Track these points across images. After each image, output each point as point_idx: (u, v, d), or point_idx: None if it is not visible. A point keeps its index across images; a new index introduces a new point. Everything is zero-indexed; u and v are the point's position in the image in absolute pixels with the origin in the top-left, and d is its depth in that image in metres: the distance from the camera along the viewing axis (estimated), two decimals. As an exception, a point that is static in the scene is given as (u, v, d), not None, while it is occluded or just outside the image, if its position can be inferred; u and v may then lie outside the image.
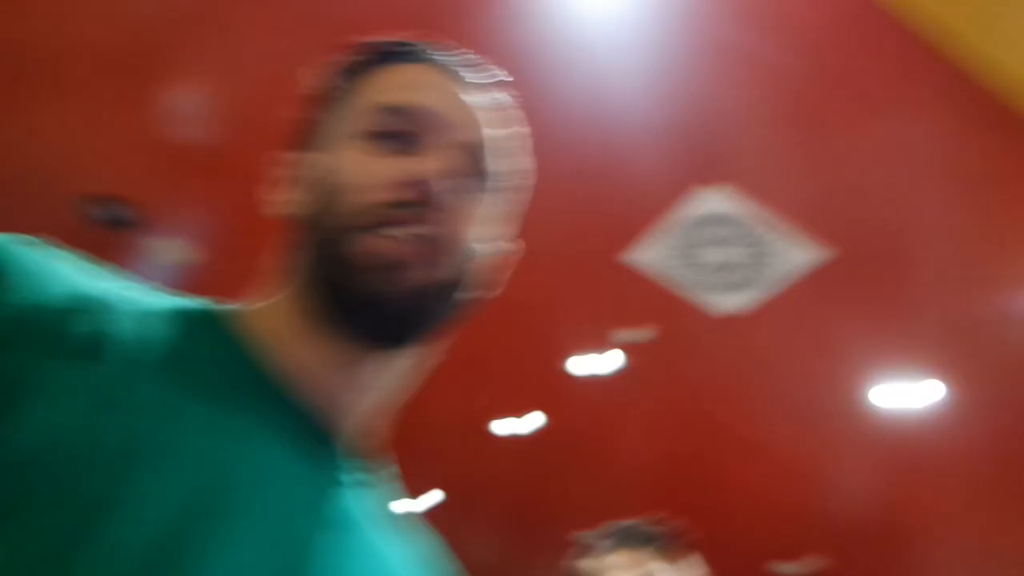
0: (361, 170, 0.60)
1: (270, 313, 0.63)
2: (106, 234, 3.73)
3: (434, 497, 5.52)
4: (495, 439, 4.40)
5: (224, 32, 2.90)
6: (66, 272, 0.56)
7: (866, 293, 2.92)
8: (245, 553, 0.50)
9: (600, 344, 3.57)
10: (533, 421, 4.16)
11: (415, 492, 5.21)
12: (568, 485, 4.72)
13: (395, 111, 0.63)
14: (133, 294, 0.59)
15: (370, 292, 0.58)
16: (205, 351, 0.59)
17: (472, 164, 0.64)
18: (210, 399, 0.55)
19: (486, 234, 0.65)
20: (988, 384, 3.30)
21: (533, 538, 5.49)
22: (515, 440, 4.39)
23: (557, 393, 3.96)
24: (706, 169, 2.70)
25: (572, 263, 3.15)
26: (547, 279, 3.17)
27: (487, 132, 0.65)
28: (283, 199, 0.67)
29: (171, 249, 3.84)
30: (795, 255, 2.79)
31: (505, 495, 5.05)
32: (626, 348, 3.57)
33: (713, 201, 2.72)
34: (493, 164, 0.65)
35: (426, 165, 0.60)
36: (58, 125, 3.30)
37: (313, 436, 0.60)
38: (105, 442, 0.48)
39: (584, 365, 3.68)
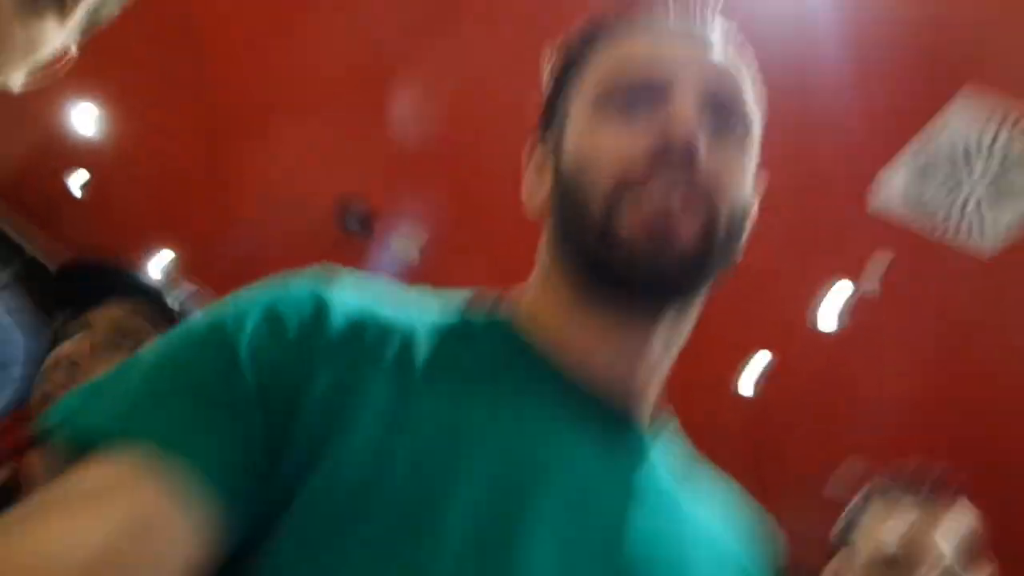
0: (615, 142, 0.59)
1: (543, 304, 0.64)
2: (356, 239, 4.03)
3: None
4: (736, 395, 4.28)
5: (453, 34, 3.03)
6: (368, 294, 0.60)
7: None
8: (563, 531, 0.52)
9: (846, 280, 3.36)
10: (763, 363, 4.08)
11: None
12: (814, 430, 4.53)
13: (636, 74, 0.62)
14: (417, 307, 0.62)
15: (648, 262, 0.57)
16: (495, 352, 0.61)
17: (721, 116, 0.61)
18: (508, 394, 0.58)
19: (743, 186, 0.63)
20: None
21: (778, 490, 5.32)
22: (755, 396, 4.26)
23: (800, 340, 3.80)
24: (950, 83, 2.38)
25: (807, 208, 2.96)
26: (785, 228, 2.90)
27: (731, 82, 0.63)
28: (535, 187, 0.68)
29: (410, 247, 4.02)
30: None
31: (748, 447, 4.94)
32: (870, 290, 3.30)
33: (963, 121, 2.33)
34: (740, 113, 0.63)
35: (677, 122, 0.58)
36: (306, 141, 3.64)
37: (605, 413, 0.61)
38: (426, 447, 0.51)
39: (829, 309, 3.50)
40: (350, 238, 4.16)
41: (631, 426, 0.63)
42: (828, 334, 3.68)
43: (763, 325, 3.93)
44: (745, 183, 0.63)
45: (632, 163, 0.58)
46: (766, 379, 4.19)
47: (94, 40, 0.63)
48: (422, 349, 0.57)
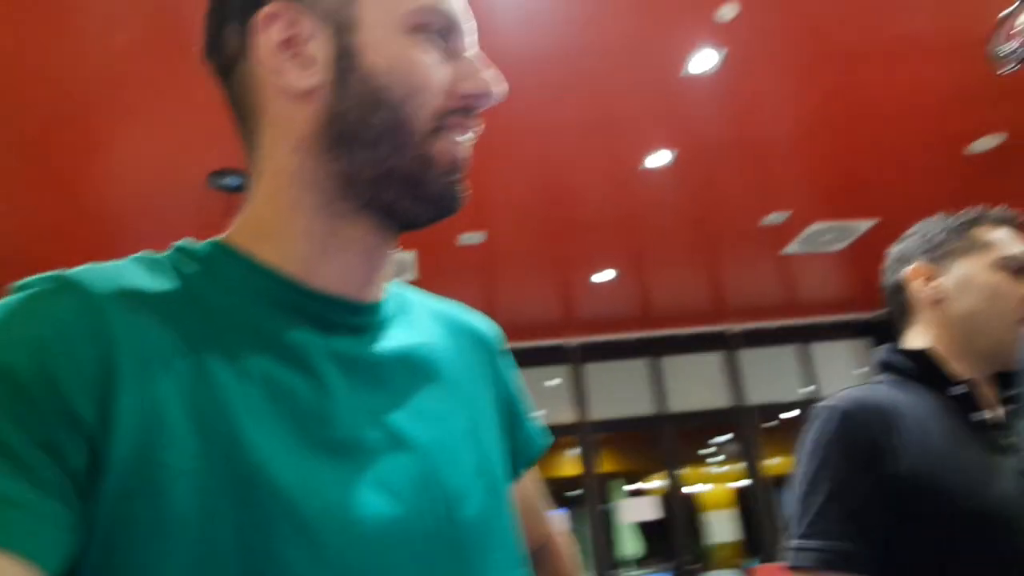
0: (439, 75, 0.63)
1: (291, 225, 0.63)
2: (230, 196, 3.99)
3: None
4: (649, 175, 4.53)
5: None
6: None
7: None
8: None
9: (702, 38, 3.46)
10: (667, 154, 4.37)
11: (593, 262, 5.71)
12: (729, 187, 4.89)
13: (444, 14, 0.64)
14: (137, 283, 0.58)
15: (448, 190, 0.63)
16: (251, 305, 0.60)
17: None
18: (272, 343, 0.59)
19: None
20: None
21: (711, 250, 5.90)
22: (665, 169, 4.52)
23: (685, 110, 3.95)
24: None
25: None
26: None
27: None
28: (295, 69, 0.62)
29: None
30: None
31: (674, 220, 5.28)
32: (727, 28, 3.39)
33: None
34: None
35: (490, 78, 0.65)
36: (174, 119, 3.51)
37: (353, 310, 0.65)
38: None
39: (698, 65, 3.62)
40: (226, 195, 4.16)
41: (372, 310, 0.67)
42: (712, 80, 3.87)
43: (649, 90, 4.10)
44: None
45: (450, 99, 0.63)
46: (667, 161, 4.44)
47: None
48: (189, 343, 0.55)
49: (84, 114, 3.49)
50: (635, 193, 4.81)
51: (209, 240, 0.64)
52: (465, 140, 0.65)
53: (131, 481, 0.48)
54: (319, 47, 0.62)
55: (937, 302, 1.26)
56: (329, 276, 0.63)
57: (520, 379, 0.85)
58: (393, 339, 0.67)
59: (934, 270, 1.28)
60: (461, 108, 0.64)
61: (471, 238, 5.04)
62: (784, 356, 7.88)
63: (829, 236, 5.76)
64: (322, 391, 0.58)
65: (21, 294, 0.53)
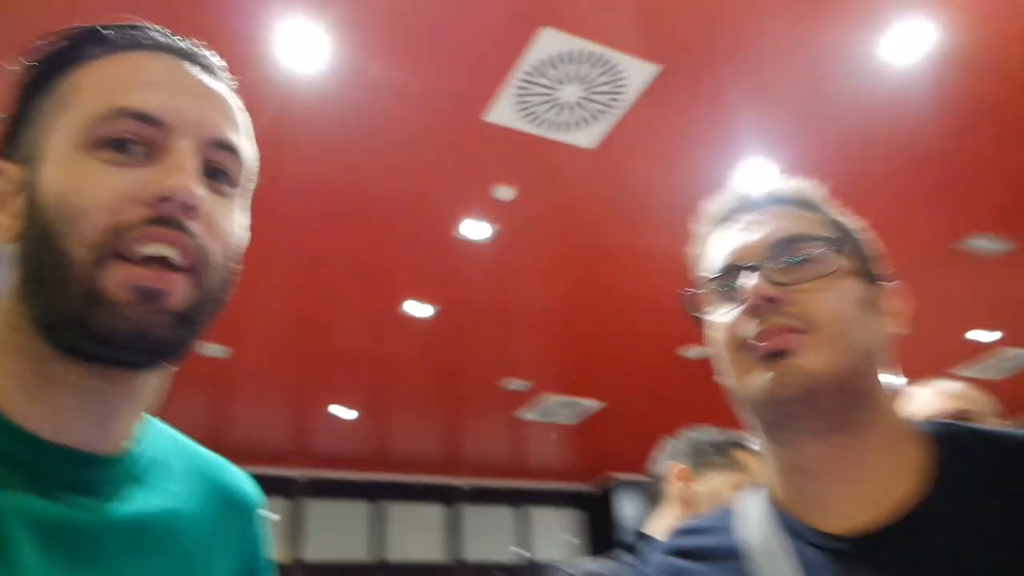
0: (100, 188, 0.54)
1: (3, 364, 0.57)
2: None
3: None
4: (407, 321, 4.65)
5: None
6: None
7: (701, 96, 3.16)
8: None
9: (478, 209, 3.73)
10: (428, 308, 4.55)
11: (336, 396, 5.51)
12: (479, 348, 5.10)
13: (134, 114, 0.56)
14: None
15: (133, 325, 0.53)
16: None
17: (221, 161, 0.60)
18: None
19: (234, 238, 0.62)
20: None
21: (453, 403, 6.03)
22: (423, 322, 4.66)
23: (453, 267, 4.16)
24: (533, 11, 2.76)
25: (434, 137, 3.30)
26: (418, 157, 3.37)
27: (232, 124, 0.62)
28: (6, 233, 0.57)
29: None
30: (632, 76, 3.02)
31: (422, 368, 5.38)
32: (503, 206, 3.70)
33: (551, 41, 2.83)
34: (236, 167, 0.62)
35: (178, 174, 0.55)
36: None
37: (84, 462, 0.57)
38: None
39: (471, 231, 3.88)
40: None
41: (106, 465, 0.59)
42: (479, 256, 4.07)
43: (424, 256, 4.25)
44: (242, 226, 0.63)
45: (123, 216, 0.53)
46: (431, 313, 4.61)
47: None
48: None
49: None
50: (389, 337, 4.90)
51: None
52: (155, 252, 0.54)
53: None
54: (10, 183, 0.58)
55: (685, 502, 1.41)
56: (44, 422, 0.55)
57: (270, 547, 0.79)
58: (127, 502, 0.59)
59: (692, 475, 1.42)
60: (146, 219, 0.54)
61: (213, 350, 4.78)
62: (502, 516, 8.08)
63: (561, 409, 6.19)
64: (4, 565, 0.50)
65: None
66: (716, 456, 1.45)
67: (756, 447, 1.46)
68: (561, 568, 1.34)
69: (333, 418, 6.07)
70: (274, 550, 0.82)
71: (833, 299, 0.70)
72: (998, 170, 3.69)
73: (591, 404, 6.11)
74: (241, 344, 4.76)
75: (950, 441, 0.71)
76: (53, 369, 0.56)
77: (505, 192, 3.63)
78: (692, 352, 5.33)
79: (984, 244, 4.30)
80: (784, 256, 0.73)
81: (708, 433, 1.50)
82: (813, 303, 0.70)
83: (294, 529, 7.04)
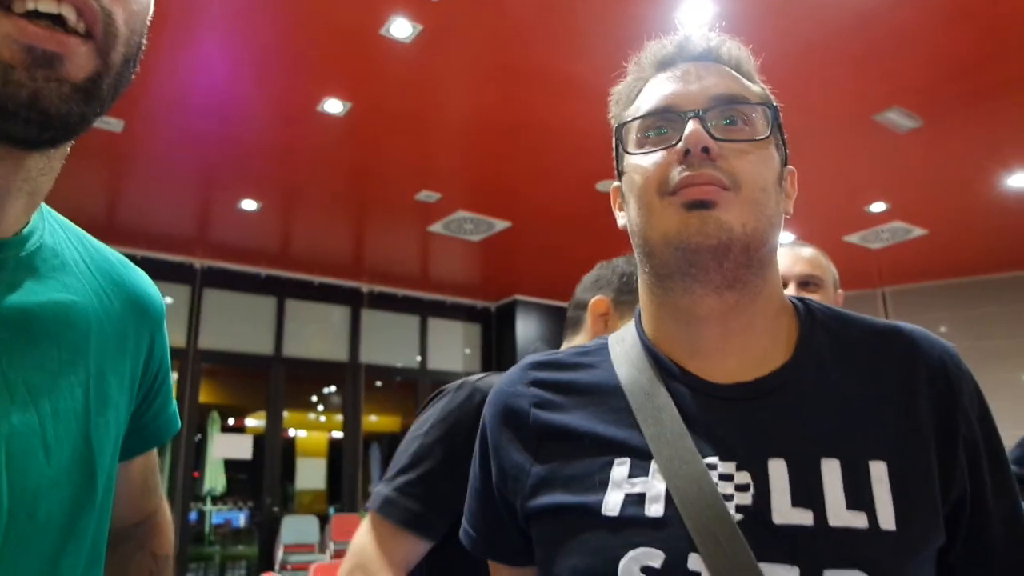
0: None
1: None
2: None
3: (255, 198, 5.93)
4: (320, 117, 4.48)
5: None
6: None
7: None
8: None
9: (405, 5, 3.54)
10: (343, 104, 4.38)
11: (240, 188, 5.52)
12: (393, 154, 5.06)
13: None
14: None
15: (24, 91, 0.47)
16: None
17: None
18: None
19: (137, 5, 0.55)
20: None
21: (363, 208, 6.04)
22: (338, 119, 4.53)
23: (373, 65, 4.01)
24: None
25: None
26: None
27: None
28: None
29: None
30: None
31: (333, 168, 5.30)
32: (431, 5, 3.52)
33: None
34: None
35: None
36: None
37: None
38: None
39: (396, 29, 3.68)
40: None
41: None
42: (397, 58, 3.93)
43: (342, 53, 4.05)
44: (144, 10, 0.57)
45: None
46: (343, 109, 4.44)
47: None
48: None
49: None
50: (302, 133, 4.70)
51: None
52: (47, 9, 0.49)
53: None
54: None
55: (604, 326, 1.38)
56: None
57: (168, 355, 0.77)
58: (16, 289, 0.56)
59: (612, 309, 1.39)
60: None
61: (105, 123, 4.47)
62: (404, 324, 8.33)
63: (470, 225, 6.23)
64: None
65: None
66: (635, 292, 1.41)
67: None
68: (468, 380, 1.27)
69: (236, 209, 5.92)
70: (170, 334, 0.81)
71: (759, 165, 0.72)
72: (923, 44, 3.71)
73: (498, 223, 6.17)
74: (137, 119, 4.47)
75: (810, 314, 0.78)
76: None
77: (436, -10, 3.40)
78: (606, 186, 5.39)
79: (897, 119, 4.41)
80: (722, 112, 0.74)
81: (627, 261, 1.47)
82: (741, 164, 0.71)
83: (192, 316, 7.04)
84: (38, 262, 0.59)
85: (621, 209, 0.82)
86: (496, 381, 1.28)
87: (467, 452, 1.10)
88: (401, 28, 3.65)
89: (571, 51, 3.83)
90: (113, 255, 0.72)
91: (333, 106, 4.36)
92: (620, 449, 0.71)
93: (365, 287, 7.98)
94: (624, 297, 1.39)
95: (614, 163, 0.83)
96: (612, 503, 0.68)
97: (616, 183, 0.83)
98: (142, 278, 0.73)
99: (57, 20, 0.48)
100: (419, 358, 8.36)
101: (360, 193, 5.72)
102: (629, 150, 0.77)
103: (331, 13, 3.54)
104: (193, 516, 7.17)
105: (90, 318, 0.62)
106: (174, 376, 7.37)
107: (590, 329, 1.40)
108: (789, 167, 0.81)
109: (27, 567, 0.53)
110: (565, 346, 1.43)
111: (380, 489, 1.18)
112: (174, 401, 0.80)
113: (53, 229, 0.64)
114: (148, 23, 0.59)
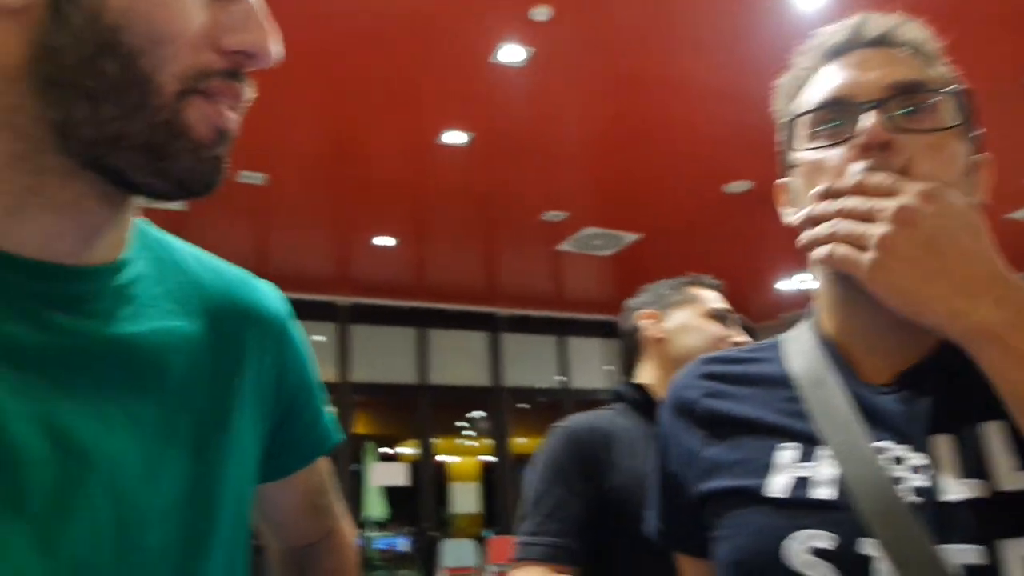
0: (184, 16, 0.49)
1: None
2: None
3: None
4: (443, 150, 4.60)
5: None
6: None
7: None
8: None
9: (515, 31, 3.56)
10: (464, 135, 4.48)
11: (376, 226, 5.73)
12: (516, 178, 5.09)
13: None
14: None
15: (206, 164, 0.52)
16: None
17: None
18: None
19: None
20: None
21: (497, 230, 6.09)
22: (461, 150, 4.62)
23: (488, 94, 4.07)
24: None
25: None
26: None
27: None
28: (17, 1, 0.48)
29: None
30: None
31: (460, 198, 5.39)
32: (540, 28, 3.53)
33: None
34: None
35: (257, 29, 0.53)
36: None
37: (53, 281, 0.52)
38: None
39: (507, 55, 3.73)
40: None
41: (89, 277, 0.55)
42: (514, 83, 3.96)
43: (457, 86, 4.15)
44: None
45: (204, 59, 0.51)
46: (466, 139, 4.52)
47: None
48: None
49: None
50: (427, 166, 4.85)
51: None
52: (230, 108, 0.53)
53: None
54: None
55: (659, 340, 1.52)
56: (19, 238, 0.51)
57: (311, 364, 0.75)
58: (111, 318, 0.55)
59: (659, 315, 1.54)
60: (225, 69, 0.52)
61: (251, 177, 4.79)
62: (543, 345, 8.36)
63: (599, 241, 6.18)
64: None
65: None
66: (675, 295, 1.55)
67: (708, 281, 1.58)
68: (559, 424, 1.44)
69: (372, 246, 6.17)
70: (322, 370, 0.77)
71: (945, 159, 0.67)
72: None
73: (628, 236, 6.08)
74: (278, 171, 4.76)
75: None
76: (50, 186, 0.50)
77: (542, 12, 3.41)
78: (735, 187, 5.20)
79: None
80: (902, 102, 0.68)
81: (662, 282, 1.61)
82: (924, 159, 0.66)
83: (341, 352, 7.39)
84: (137, 290, 0.58)
85: (787, 206, 0.78)
86: (580, 418, 1.46)
87: (577, 481, 1.33)
88: (512, 53, 3.69)
89: (685, 52, 3.74)
90: (229, 272, 0.69)
91: (455, 137, 4.47)
92: (787, 434, 0.71)
93: (501, 311, 8.09)
94: (660, 301, 1.56)
95: (779, 159, 0.79)
96: (777, 485, 0.69)
97: (782, 180, 0.79)
98: (260, 292, 0.70)
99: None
100: (560, 378, 8.35)
101: (488, 219, 5.82)
102: (798, 146, 0.73)
103: (441, 46, 3.63)
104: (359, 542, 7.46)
105: (196, 342, 0.61)
106: (333, 410, 7.70)
107: (651, 340, 1.53)
108: (984, 154, 0.74)
109: None
110: (640, 371, 1.56)
111: (517, 540, 1.34)
112: (327, 413, 0.77)
113: (156, 253, 0.63)
114: None
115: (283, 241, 6.10)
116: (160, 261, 0.62)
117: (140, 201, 0.57)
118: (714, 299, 1.55)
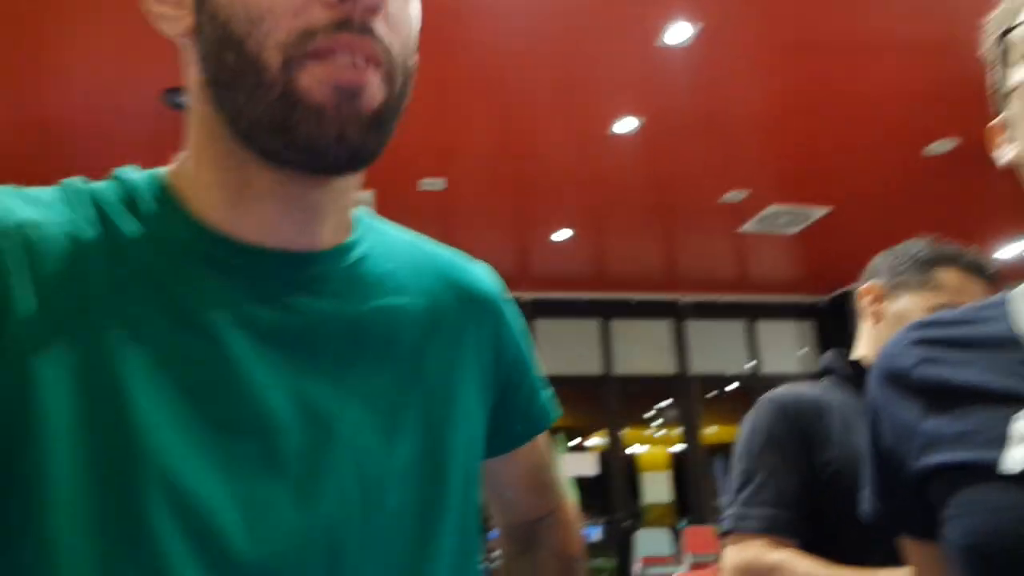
0: None
1: (207, 172, 0.57)
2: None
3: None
4: (614, 138, 4.54)
5: None
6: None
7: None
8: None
9: (679, 6, 3.45)
10: (634, 121, 4.39)
11: (552, 220, 5.84)
12: (692, 160, 4.93)
13: None
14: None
15: (334, 128, 0.51)
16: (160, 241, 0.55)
17: None
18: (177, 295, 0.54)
19: (413, 35, 0.58)
20: None
21: (675, 216, 5.94)
22: (632, 137, 4.54)
23: (654, 78, 3.97)
24: None
25: None
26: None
27: None
28: (169, 11, 0.56)
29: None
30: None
31: (635, 185, 5.29)
32: (703, 6, 3.42)
33: None
34: None
35: None
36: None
37: (288, 262, 0.58)
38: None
39: (672, 36, 3.63)
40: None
41: (318, 259, 0.59)
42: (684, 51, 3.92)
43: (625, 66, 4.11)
44: (416, 14, 0.59)
45: (307, 13, 0.51)
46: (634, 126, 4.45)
47: None
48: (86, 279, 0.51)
49: (32, 9, 3.34)
50: (599, 157, 4.84)
51: (150, 172, 0.60)
52: (343, 64, 0.51)
53: (14, 422, 0.47)
54: None
55: (876, 322, 1.36)
56: (250, 228, 0.56)
57: (526, 344, 0.76)
58: (343, 298, 0.59)
59: (885, 293, 1.35)
60: (332, 22, 0.51)
61: (432, 183, 5.03)
62: (730, 330, 8.08)
63: (785, 219, 5.87)
64: (221, 362, 0.53)
65: None
66: (914, 274, 1.32)
67: (971, 261, 1.31)
68: (767, 396, 1.34)
69: (551, 240, 6.26)
70: None
71: None
72: None
73: (816, 211, 5.72)
74: (456, 175, 4.96)
75: None
76: (254, 176, 0.55)
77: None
78: (936, 148, 4.73)
79: None
80: None
81: (917, 246, 1.35)
82: None
83: (526, 346, 7.55)
84: (363, 271, 0.62)
85: (1004, 145, 0.71)
86: (787, 389, 1.34)
87: (790, 452, 1.25)
88: (679, 32, 3.60)
89: (873, 6, 3.45)
90: (446, 253, 0.72)
91: (625, 125, 4.43)
92: (1021, 402, 0.65)
93: (683, 298, 7.91)
94: (893, 278, 1.35)
95: (992, 99, 0.72)
96: (1014, 459, 0.62)
97: (994, 122, 0.73)
98: (477, 272, 0.73)
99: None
100: (750, 363, 8.03)
101: (665, 205, 5.71)
102: (1015, 67, 0.66)
103: (608, 34, 3.61)
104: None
105: (422, 318, 0.64)
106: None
107: (865, 317, 1.37)
108: None
109: (388, 562, 0.55)
110: (854, 347, 1.40)
111: (728, 513, 1.27)
112: (544, 391, 0.78)
113: (378, 237, 0.66)
114: (417, 42, 0.60)
115: (464, 243, 6.22)
116: (381, 243, 0.66)
117: (345, 183, 0.59)
118: (959, 291, 1.27)
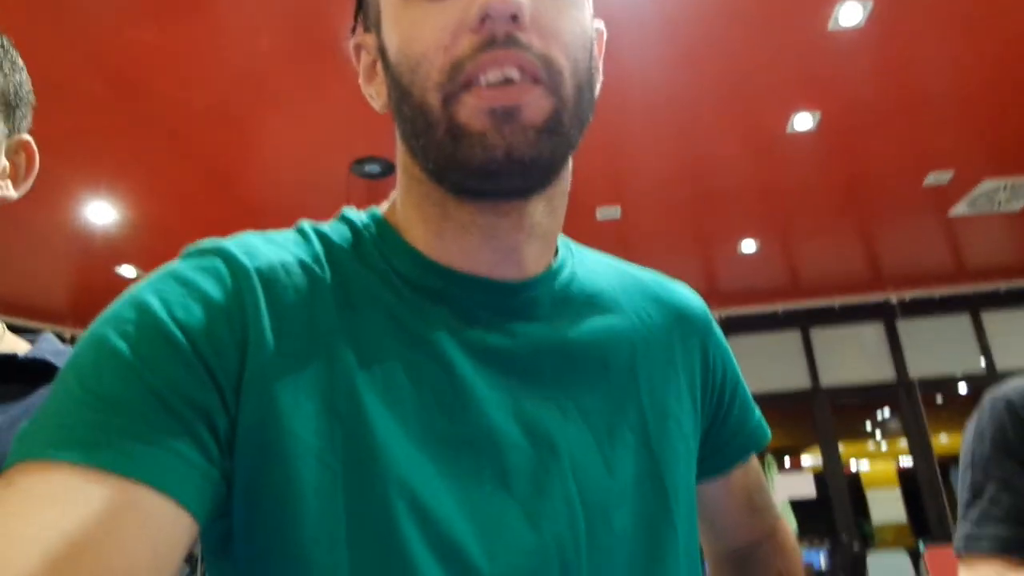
0: (429, 29, 0.54)
1: (415, 210, 0.61)
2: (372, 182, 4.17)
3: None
4: (795, 139, 4.33)
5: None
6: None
7: None
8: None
9: None
10: (812, 117, 4.16)
11: (735, 233, 5.58)
12: (881, 150, 4.58)
13: None
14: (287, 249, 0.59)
15: (497, 149, 0.52)
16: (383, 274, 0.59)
17: None
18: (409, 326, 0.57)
19: (579, 25, 0.57)
20: None
21: (871, 210, 5.46)
22: (810, 134, 4.28)
23: (828, 68, 3.72)
24: None
25: None
26: None
27: None
28: (374, 89, 0.63)
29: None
30: None
31: (820, 184, 4.99)
32: None
33: None
34: None
35: None
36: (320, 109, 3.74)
37: (499, 290, 0.60)
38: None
39: (844, 18, 3.37)
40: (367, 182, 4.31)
41: (526, 287, 0.61)
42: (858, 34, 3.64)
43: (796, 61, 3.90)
44: (581, 21, 0.58)
45: (455, 46, 0.53)
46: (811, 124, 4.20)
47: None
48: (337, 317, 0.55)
49: (233, 112, 3.76)
50: (778, 160, 4.61)
51: (370, 210, 0.65)
52: (495, 81, 0.52)
53: (262, 446, 0.49)
54: (371, 52, 0.63)
55: None
56: (459, 259, 0.60)
57: (735, 362, 0.76)
58: (554, 321, 0.61)
59: None
60: (477, 47, 0.52)
61: (608, 212, 5.02)
62: (953, 326, 7.31)
63: (1003, 194, 5.26)
64: (450, 382, 0.55)
65: (180, 260, 0.55)
66: None
67: None
68: (993, 393, 1.19)
69: (737, 254, 6.02)
70: None
71: None
72: None
73: (1042, 182, 5.07)
74: (629, 201, 4.92)
75: None
76: (452, 211, 0.59)
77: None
78: None
79: None
80: None
81: None
82: None
83: (723, 365, 7.26)
84: (572, 293, 0.64)
85: None
86: (1014, 385, 1.16)
87: (1020, 459, 1.09)
88: (851, 14, 3.37)
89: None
90: (649, 275, 0.74)
91: (803, 122, 4.19)
92: None
93: (894, 296, 7.28)
94: None
95: None
96: None
97: None
98: (681, 290, 0.74)
99: (507, 81, 0.53)
100: (983, 361, 7.20)
101: (857, 200, 5.31)
102: None
103: (770, 27, 3.45)
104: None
105: (632, 338, 0.65)
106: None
107: None
108: None
109: None
110: None
111: (959, 532, 1.16)
112: (757, 410, 0.78)
113: (582, 262, 0.68)
114: (594, 44, 0.61)
115: (648, 265, 6.25)
116: (584, 266, 0.68)
117: (543, 213, 0.61)
118: None
